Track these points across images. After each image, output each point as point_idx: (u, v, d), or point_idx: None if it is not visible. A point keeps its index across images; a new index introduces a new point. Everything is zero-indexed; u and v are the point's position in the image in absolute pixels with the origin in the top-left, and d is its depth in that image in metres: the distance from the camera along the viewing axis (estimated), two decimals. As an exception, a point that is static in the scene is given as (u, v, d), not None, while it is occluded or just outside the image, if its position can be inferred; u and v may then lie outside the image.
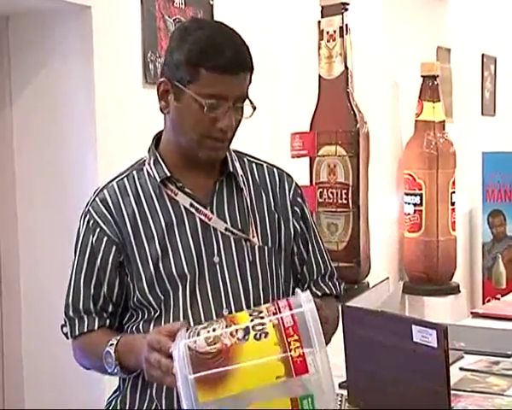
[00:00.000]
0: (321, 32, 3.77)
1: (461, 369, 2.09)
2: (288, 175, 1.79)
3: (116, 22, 2.91)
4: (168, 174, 1.64)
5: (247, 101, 1.61)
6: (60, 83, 2.89)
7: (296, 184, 1.78)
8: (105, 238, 1.63)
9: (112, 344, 1.56)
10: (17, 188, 3.01)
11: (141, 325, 1.64)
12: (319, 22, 3.79)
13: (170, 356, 1.34)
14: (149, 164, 1.67)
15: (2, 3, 2.77)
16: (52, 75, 2.90)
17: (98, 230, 1.64)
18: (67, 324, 1.69)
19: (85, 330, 1.66)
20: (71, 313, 1.67)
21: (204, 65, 1.53)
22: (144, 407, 1.64)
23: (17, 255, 3.02)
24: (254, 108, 1.61)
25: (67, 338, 1.70)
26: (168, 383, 1.36)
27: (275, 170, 1.77)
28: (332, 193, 3.78)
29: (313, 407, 1.28)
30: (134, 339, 1.57)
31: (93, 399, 2.74)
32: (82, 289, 1.66)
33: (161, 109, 1.63)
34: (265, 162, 1.79)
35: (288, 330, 1.30)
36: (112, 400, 1.73)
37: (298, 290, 1.40)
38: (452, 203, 4.75)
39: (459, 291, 4.79)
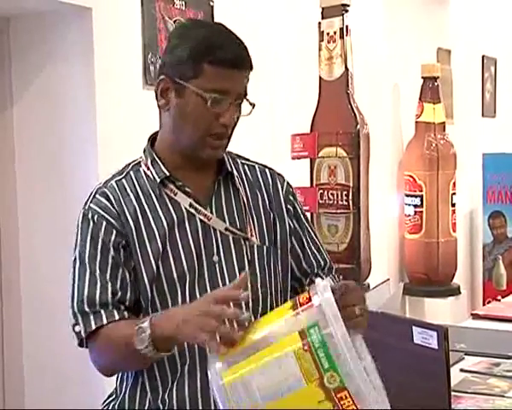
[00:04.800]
0: (321, 34, 3.77)
1: (461, 370, 2.09)
2: (279, 174, 1.80)
3: (116, 24, 2.91)
4: (167, 174, 1.63)
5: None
6: (60, 84, 2.89)
7: (287, 182, 1.80)
8: (114, 231, 1.59)
9: (145, 321, 1.46)
10: (18, 188, 3.01)
11: None
12: (319, 23, 3.78)
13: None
14: (146, 165, 1.66)
15: (3, 5, 2.78)
16: (53, 76, 2.90)
17: (105, 223, 1.60)
18: (80, 321, 1.56)
19: (104, 322, 1.54)
20: (86, 308, 1.55)
21: (208, 60, 1.55)
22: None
23: (17, 255, 3.02)
24: (253, 106, 1.63)
25: (80, 341, 1.57)
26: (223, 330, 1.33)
27: (267, 170, 1.78)
28: (332, 194, 3.78)
29: (321, 333, 1.27)
30: (169, 310, 1.53)
31: (93, 399, 2.73)
32: (99, 280, 1.56)
33: (160, 107, 1.64)
34: (257, 163, 1.80)
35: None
36: (109, 403, 1.70)
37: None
38: (453, 205, 4.74)
39: (459, 293, 4.79)
